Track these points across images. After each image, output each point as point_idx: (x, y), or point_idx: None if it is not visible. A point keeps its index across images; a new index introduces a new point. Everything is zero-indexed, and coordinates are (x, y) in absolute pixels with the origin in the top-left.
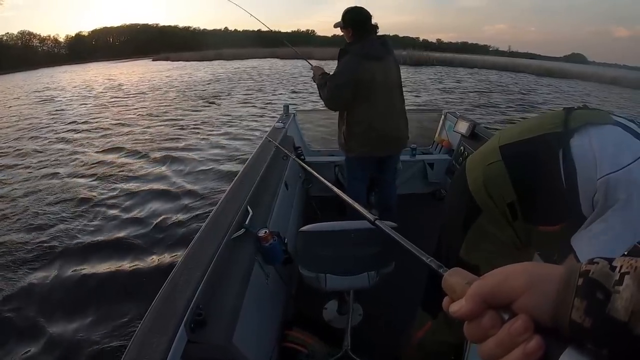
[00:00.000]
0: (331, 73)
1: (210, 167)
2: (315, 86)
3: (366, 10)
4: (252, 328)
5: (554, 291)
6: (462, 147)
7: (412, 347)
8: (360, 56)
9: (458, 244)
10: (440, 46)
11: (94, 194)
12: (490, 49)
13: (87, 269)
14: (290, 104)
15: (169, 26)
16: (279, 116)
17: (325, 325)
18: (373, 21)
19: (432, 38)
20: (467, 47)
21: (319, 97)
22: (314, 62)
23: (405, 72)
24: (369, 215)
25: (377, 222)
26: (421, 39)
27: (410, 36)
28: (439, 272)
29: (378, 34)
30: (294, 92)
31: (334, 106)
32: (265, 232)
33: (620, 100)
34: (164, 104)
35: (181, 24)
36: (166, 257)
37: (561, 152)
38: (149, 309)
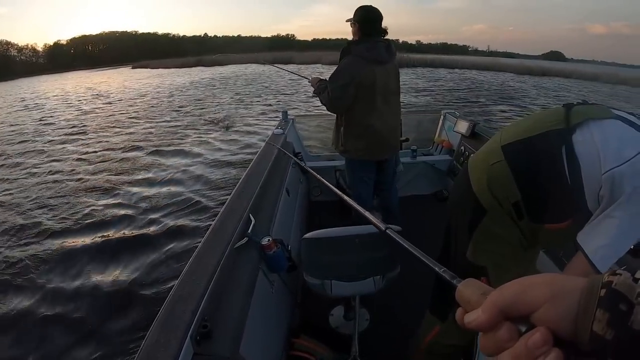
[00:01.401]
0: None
1: (208, 176)
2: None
3: (378, 11)
4: (258, 338)
5: (575, 302)
6: (462, 147)
7: (421, 352)
8: (363, 58)
9: (464, 245)
10: (420, 47)
11: (90, 204)
12: (470, 49)
13: (89, 282)
14: (280, 107)
15: (148, 33)
16: (277, 122)
17: (332, 331)
18: (383, 24)
19: (411, 40)
20: (447, 47)
21: (320, 103)
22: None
23: None
24: (379, 224)
25: (388, 231)
26: (401, 41)
27: (390, 39)
28: (452, 282)
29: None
30: (280, 94)
31: (336, 108)
32: (269, 240)
33: (599, 96)
34: (150, 112)
35: (160, 31)
36: (169, 269)
37: (564, 148)
38: (154, 322)
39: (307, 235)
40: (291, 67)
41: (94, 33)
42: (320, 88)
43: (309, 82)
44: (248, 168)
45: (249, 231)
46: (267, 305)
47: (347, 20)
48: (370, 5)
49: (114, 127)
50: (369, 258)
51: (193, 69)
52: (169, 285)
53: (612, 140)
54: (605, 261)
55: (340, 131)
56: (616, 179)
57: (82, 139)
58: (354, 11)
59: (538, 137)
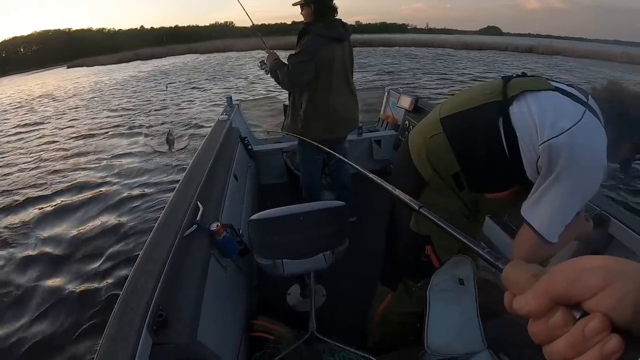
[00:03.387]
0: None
1: (154, 166)
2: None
3: None
4: (215, 322)
5: (632, 291)
6: (406, 122)
7: (376, 322)
8: (323, 37)
9: (407, 217)
10: (359, 28)
11: (35, 204)
12: (409, 28)
13: (42, 282)
14: (230, 94)
15: (82, 29)
16: (222, 108)
17: (290, 310)
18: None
19: (350, 21)
20: (386, 27)
21: (276, 83)
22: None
23: None
24: (413, 203)
25: (422, 209)
26: None
27: None
28: (496, 264)
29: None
30: (222, 80)
31: (295, 83)
32: (217, 225)
33: (534, 65)
34: (89, 112)
35: (95, 26)
36: (121, 263)
37: (501, 120)
38: (110, 317)
39: (253, 217)
40: (232, 54)
41: (25, 34)
42: (278, 64)
43: (265, 53)
44: (194, 156)
45: (197, 218)
46: (221, 290)
47: (296, 4)
48: None
49: (54, 131)
50: (316, 234)
51: (131, 63)
52: (123, 279)
53: (549, 112)
54: (553, 232)
55: (299, 112)
56: (553, 150)
57: (28, 143)
58: None
59: (475, 109)
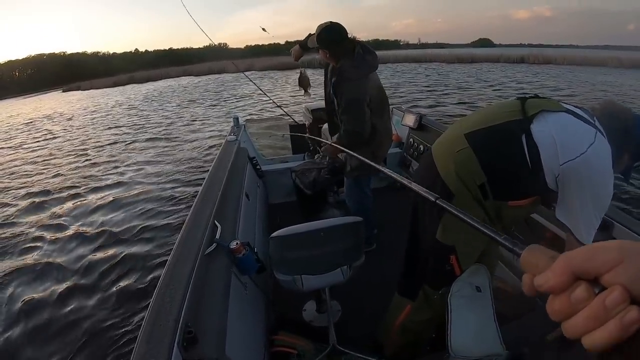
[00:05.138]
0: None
1: (168, 189)
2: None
3: (342, 28)
4: (241, 338)
5: None
6: (411, 139)
7: (395, 332)
8: (360, 78)
9: (434, 227)
10: None
11: (52, 224)
12: (402, 44)
13: (69, 303)
14: (237, 115)
15: (77, 53)
16: (230, 128)
17: (307, 325)
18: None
19: None
20: (379, 44)
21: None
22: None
23: (320, 75)
24: (429, 195)
25: (438, 201)
26: None
27: None
28: (514, 250)
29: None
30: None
31: (364, 136)
32: (237, 243)
33: (529, 75)
34: (93, 131)
35: (89, 50)
36: (142, 282)
37: (524, 136)
38: (139, 336)
39: (275, 234)
40: (228, 76)
41: (20, 58)
42: (342, 143)
43: (327, 149)
44: (207, 176)
45: (217, 237)
46: (243, 306)
47: (311, 45)
48: (333, 25)
49: (58, 157)
50: (335, 250)
51: (126, 87)
52: (146, 298)
53: (568, 134)
54: (589, 237)
55: (364, 151)
56: (573, 170)
57: (34, 170)
58: (316, 28)
59: (499, 126)
